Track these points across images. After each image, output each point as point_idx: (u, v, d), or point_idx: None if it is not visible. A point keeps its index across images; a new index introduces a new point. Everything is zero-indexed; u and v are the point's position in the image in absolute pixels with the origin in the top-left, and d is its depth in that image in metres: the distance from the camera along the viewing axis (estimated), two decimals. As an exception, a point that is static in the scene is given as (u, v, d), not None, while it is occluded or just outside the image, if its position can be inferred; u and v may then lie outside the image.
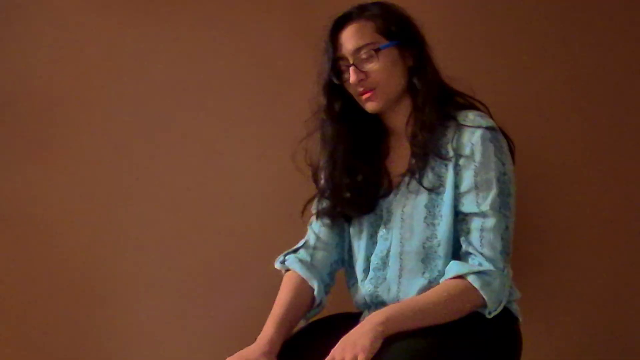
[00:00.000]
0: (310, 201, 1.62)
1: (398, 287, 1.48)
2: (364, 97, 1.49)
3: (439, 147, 1.45)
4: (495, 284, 1.38)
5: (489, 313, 1.40)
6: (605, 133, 1.91)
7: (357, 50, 1.46)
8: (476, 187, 1.42)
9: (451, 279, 1.39)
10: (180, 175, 2.03)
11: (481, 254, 1.39)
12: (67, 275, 2.03)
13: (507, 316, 1.46)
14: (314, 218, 1.61)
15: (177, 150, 2.03)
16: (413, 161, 1.48)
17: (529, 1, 1.95)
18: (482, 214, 1.41)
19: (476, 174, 1.42)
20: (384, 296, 1.49)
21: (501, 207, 1.41)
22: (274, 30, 2.01)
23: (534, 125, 1.91)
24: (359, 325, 1.35)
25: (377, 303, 1.50)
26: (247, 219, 1.99)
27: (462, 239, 1.44)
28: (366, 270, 1.53)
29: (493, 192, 1.41)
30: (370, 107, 1.50)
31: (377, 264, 1.51)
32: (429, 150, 1.45)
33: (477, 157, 1.42)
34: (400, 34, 1.49)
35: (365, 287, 1.52)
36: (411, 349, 1.30)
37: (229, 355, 1.39)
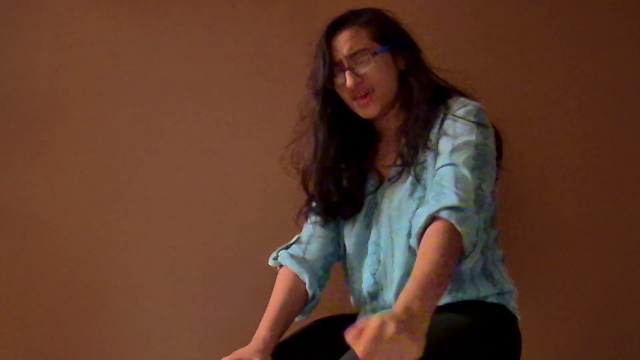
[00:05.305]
0: (303, 208, 1.62)
1: (392, 266, 1.46)
2: (360, 102, 1.50)
3: (425, 139, 1.45)
4: (470, 220, 1.25)
5: (465, 257, 1.25)
6: (606, 133, 1.90)
7: (353, 55, 1.48)
8: (452, 149, 1.37)
9: (424, 227, 1.25)
10: (179, 175, 2.03)
11: (455, 192, 1.28)
12: (66, 275, 2.04)
13: (505, 315, 1.45)
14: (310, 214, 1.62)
15: (177, 150, 2.04)
16: (405, 150, 1.47)
17: (528, 1, 1.94)
18: (455, 165, 1.34)
19: (455, 138, 1.39)
20: (382, 281, 1.48)
21: (475, 168, 1.33)
22: (274, 32, 2.01)
23: (533, 125, 1.91)
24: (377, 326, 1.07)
25: (375, 294, 1.49)
26: (246, 219, 1.99)
27: (430, 186, 1.36)
28: (363, 259, 1.52)
29: (469, 153, 1.36)
30: (366, 112, 1.51)
31: (373, 249, 1.51)
32: (419, 143, 1.45)
33: (458, 126, 1.40)
34: (393, 39, 1.51)
35: (365, 276, 1.51)
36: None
37: (226, 355, 1.39)
